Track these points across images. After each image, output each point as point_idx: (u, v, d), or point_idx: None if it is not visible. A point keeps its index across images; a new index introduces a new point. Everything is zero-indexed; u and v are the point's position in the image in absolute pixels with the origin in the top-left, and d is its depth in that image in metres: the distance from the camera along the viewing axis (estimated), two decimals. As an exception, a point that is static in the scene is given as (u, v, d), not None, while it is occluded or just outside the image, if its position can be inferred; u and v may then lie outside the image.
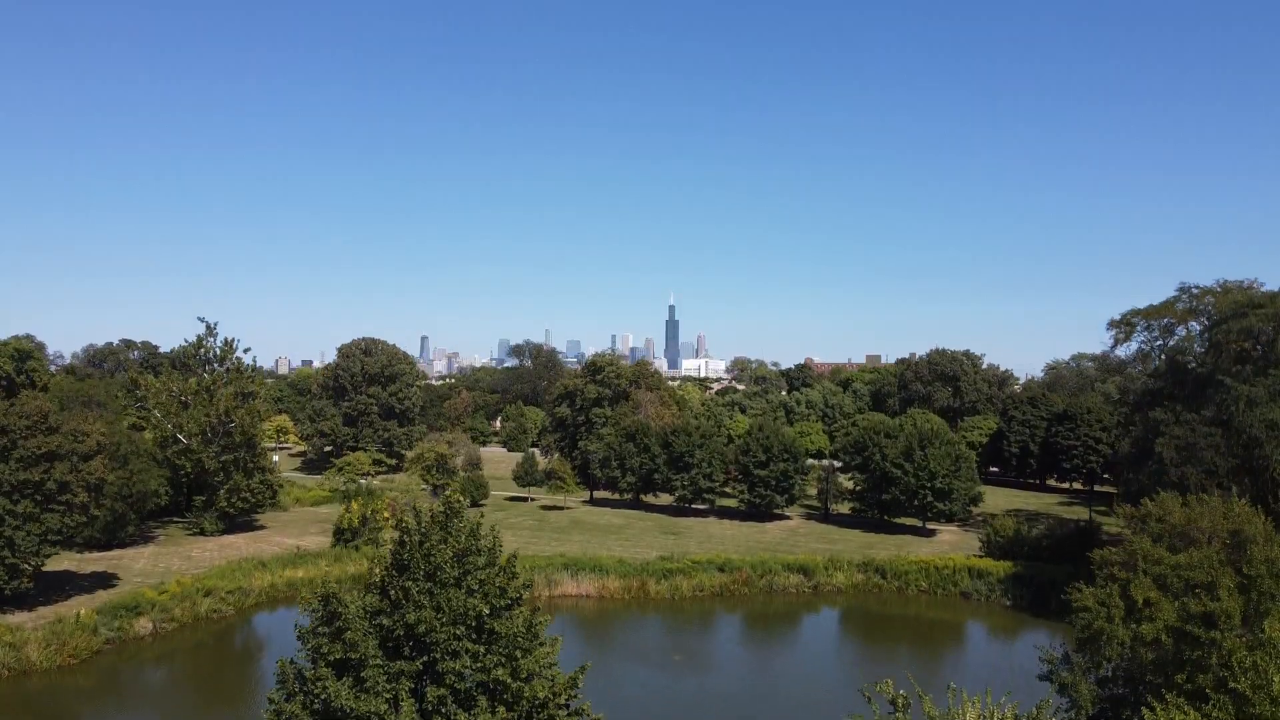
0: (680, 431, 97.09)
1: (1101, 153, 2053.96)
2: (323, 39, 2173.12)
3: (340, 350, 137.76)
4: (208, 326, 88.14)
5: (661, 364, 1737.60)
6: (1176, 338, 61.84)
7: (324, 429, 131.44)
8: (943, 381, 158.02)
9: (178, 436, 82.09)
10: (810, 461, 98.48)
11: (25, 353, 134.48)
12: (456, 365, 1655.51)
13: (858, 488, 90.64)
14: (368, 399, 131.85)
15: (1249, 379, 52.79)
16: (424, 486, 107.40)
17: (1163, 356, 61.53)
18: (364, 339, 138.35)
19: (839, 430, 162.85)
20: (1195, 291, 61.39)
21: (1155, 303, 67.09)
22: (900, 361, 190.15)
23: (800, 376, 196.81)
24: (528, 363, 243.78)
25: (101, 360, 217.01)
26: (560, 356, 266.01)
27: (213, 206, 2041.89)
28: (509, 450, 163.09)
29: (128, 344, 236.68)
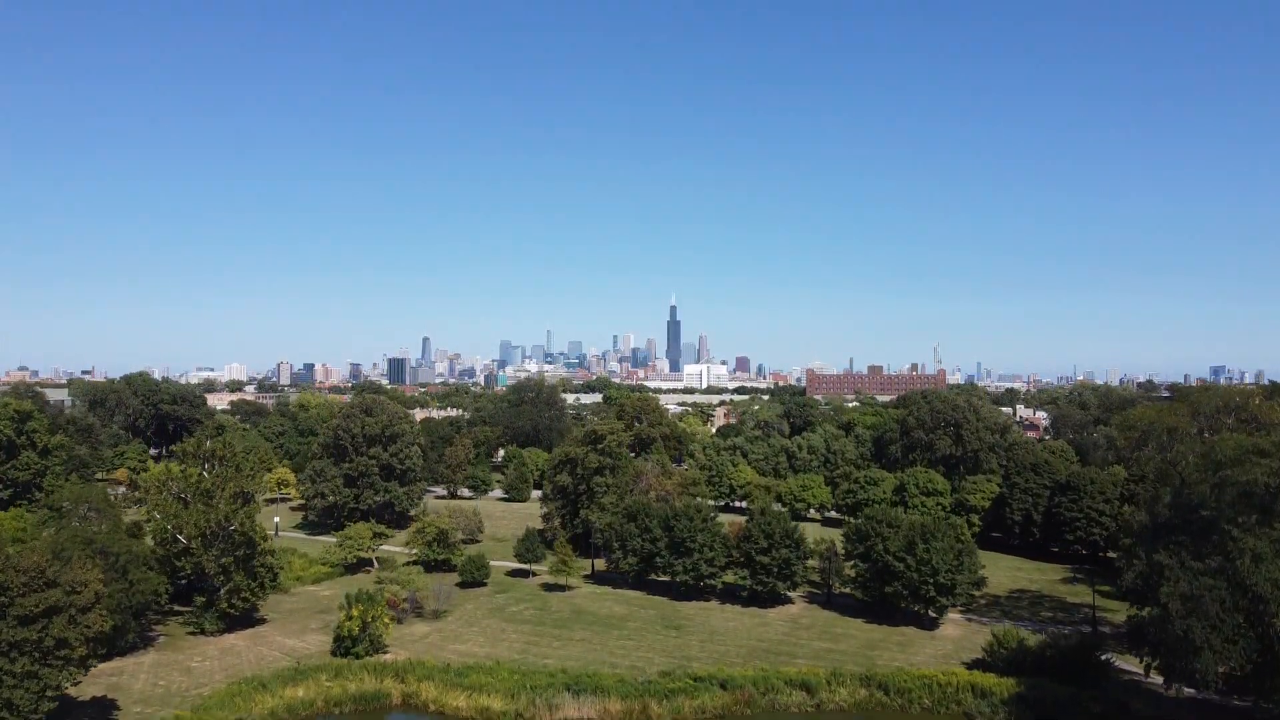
0: (681, 515, 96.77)
1: (1102, 153, 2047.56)
2: (324, 41, 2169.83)
3: (341, 410, 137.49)
4: (210, 432, 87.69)
5: (663, 364, 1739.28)
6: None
7: (325, 490, 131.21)
8: (944, 429, 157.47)
9: (177, 537, 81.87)
10: (810, 541, 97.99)
11: (25, 414, 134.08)
12: (458, 368, 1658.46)
13: (860, 577, 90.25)
14: (368, 460, 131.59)
15: (1253, 528, 52.47)
16: (420, 561, 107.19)
17: (1169, 495, 60.97)
18: (366, 398, 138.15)
19: (840, 476, 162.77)
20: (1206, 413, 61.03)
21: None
22: (900, 402, 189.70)
23: (801, 415, 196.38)
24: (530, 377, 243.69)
25: (102, 399, 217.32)
26: (560, 390, 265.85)
27: (214, 208, 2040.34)
28: (510, 500, 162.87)
29: (128, 381, 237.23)
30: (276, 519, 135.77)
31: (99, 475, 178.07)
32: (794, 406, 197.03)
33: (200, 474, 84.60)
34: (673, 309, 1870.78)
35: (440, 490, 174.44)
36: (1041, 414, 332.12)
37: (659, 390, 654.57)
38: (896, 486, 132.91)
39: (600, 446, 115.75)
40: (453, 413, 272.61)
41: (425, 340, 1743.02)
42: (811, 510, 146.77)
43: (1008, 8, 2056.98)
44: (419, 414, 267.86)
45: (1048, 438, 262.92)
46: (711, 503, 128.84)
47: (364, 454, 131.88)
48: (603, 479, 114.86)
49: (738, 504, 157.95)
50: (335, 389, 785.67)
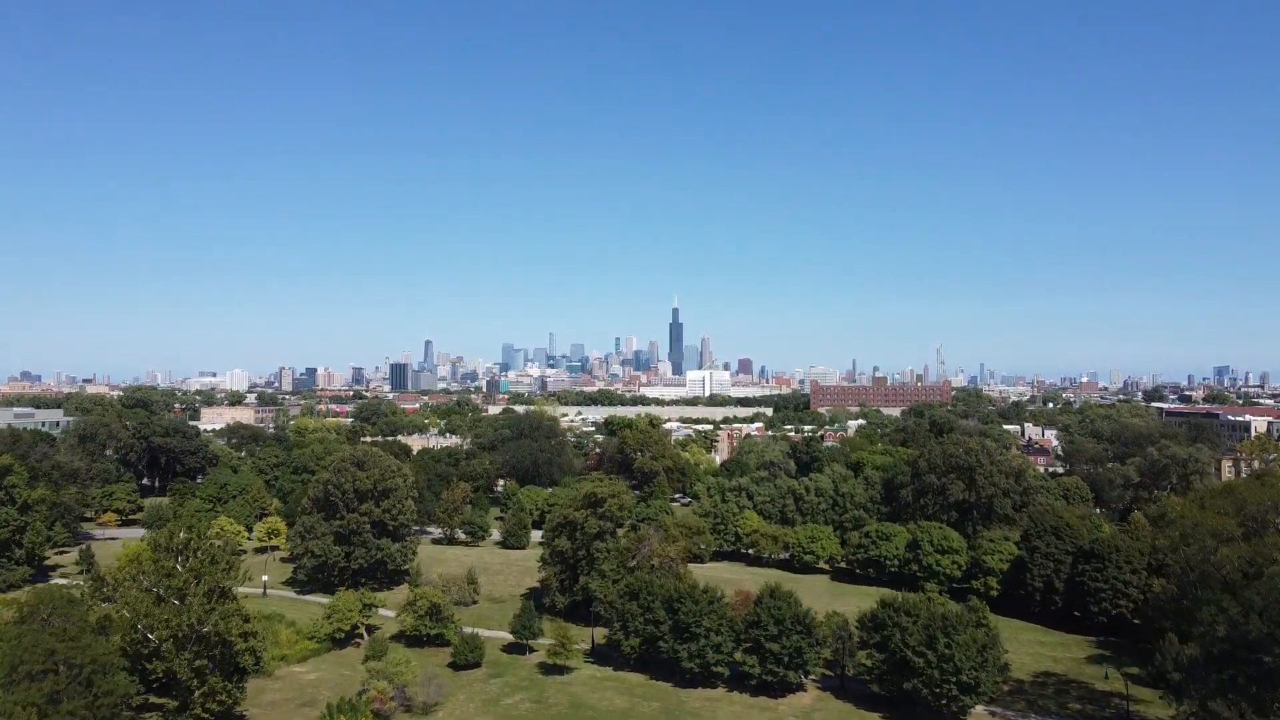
0: (686, 597, 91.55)
1: (1105, 153, 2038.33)
2: (325, 43, 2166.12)
3: (330, 464, 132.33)
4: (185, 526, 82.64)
5: (666, 367, 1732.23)
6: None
7: (314, 549, 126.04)
8: (957, 473, 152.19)
9: (148, 636, 76.65)
10: (821, 616, 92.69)
11: (5, 468, 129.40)
12: (460, 371, 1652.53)
13: (876, 668, 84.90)
14: (359, 518, 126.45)
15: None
16: (411, 634, 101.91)
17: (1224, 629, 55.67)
18: (358, 450, 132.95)
19: (849, 520, 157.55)
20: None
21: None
22: (907, 448, 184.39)
23: (808, 451, 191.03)
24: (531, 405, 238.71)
25: (93, 433, 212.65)
26: (560, 405, 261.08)
27: (217, 212, 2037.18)
28: (508, 547, 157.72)
29: (119, 416, 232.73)
30: (265, 577, 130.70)
31: (87, 515, 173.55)
32: (800, 443, 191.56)
33: (174, 567, 79.37)
34: (675, 311, 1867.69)
35: (436, 531, 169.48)
36: (1050, 434, 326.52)
37: (661, 401, 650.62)
38: (909, 542, 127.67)
39: (601, 510, 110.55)
40: (451, 440, 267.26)
41: (428, 343, 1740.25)
42: (821, 562, 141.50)
43: (1010, 7, 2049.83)
44: (416, 442, 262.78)
45: (1058, 466, 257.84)
46: (715, 565, 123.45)
47: (355, 510, 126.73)
48: (603, 544, 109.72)
49: (745, 551, 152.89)
50: (336, 398, 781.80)
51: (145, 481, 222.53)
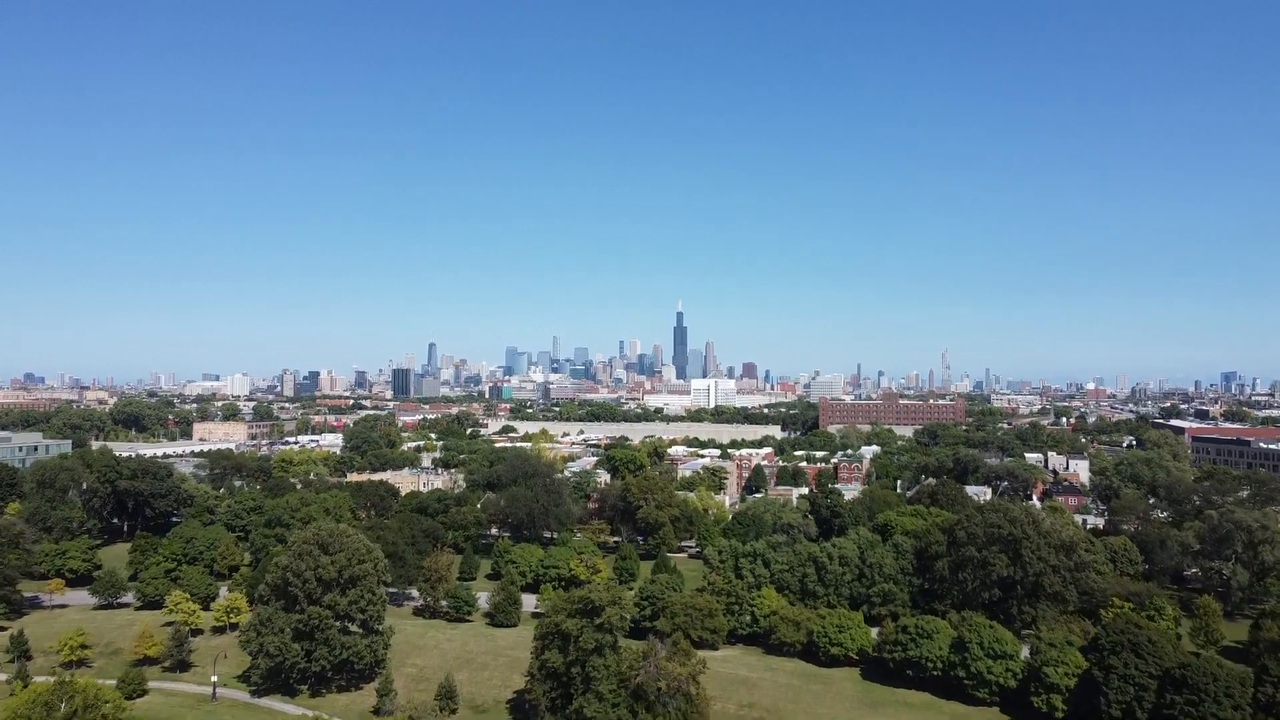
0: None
1: (1111, 157, 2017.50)
2: (328, 46, 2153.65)
3: (290, 545, 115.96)
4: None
5: (670, 372, 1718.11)
6: None
7: (270, 647, 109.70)
8: (1000, 545, 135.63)
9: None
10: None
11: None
12: (464, 374, 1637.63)
13: None
14: (323, 611, 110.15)
15: None
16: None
17: None
18: (322, 529, 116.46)
19: (877, 595, 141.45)
20: None
21: None
22: (939, 507, 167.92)
23: (829, 504, 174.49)
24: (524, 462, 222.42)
25: (52, 478, 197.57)
26: (560, 443, 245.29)
27: (221, 215, 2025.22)
28: (496, 624, 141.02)
29: (83, 458, 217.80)
30: (215, 677, 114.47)
31: (39, 572, 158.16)
32: (820, 496, 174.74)
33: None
34: (679, 315, 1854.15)
35: (417, 597, 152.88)
36: (1077, 466, 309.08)
37: (666, 416, 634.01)
38: (955, 642, 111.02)
39: (599, 621, 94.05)
40: (443, 478, 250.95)
41: (431, 346, 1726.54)
42: (850, 652, 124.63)
43: (1020, 10, 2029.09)
44: (406, 480, 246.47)
45: (1093, 510, 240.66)
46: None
47: (318, 602, 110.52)
48: (601, 660, 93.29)
49: (762, 632, 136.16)
50: (335, 408, 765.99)
51: (116, 520, 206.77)
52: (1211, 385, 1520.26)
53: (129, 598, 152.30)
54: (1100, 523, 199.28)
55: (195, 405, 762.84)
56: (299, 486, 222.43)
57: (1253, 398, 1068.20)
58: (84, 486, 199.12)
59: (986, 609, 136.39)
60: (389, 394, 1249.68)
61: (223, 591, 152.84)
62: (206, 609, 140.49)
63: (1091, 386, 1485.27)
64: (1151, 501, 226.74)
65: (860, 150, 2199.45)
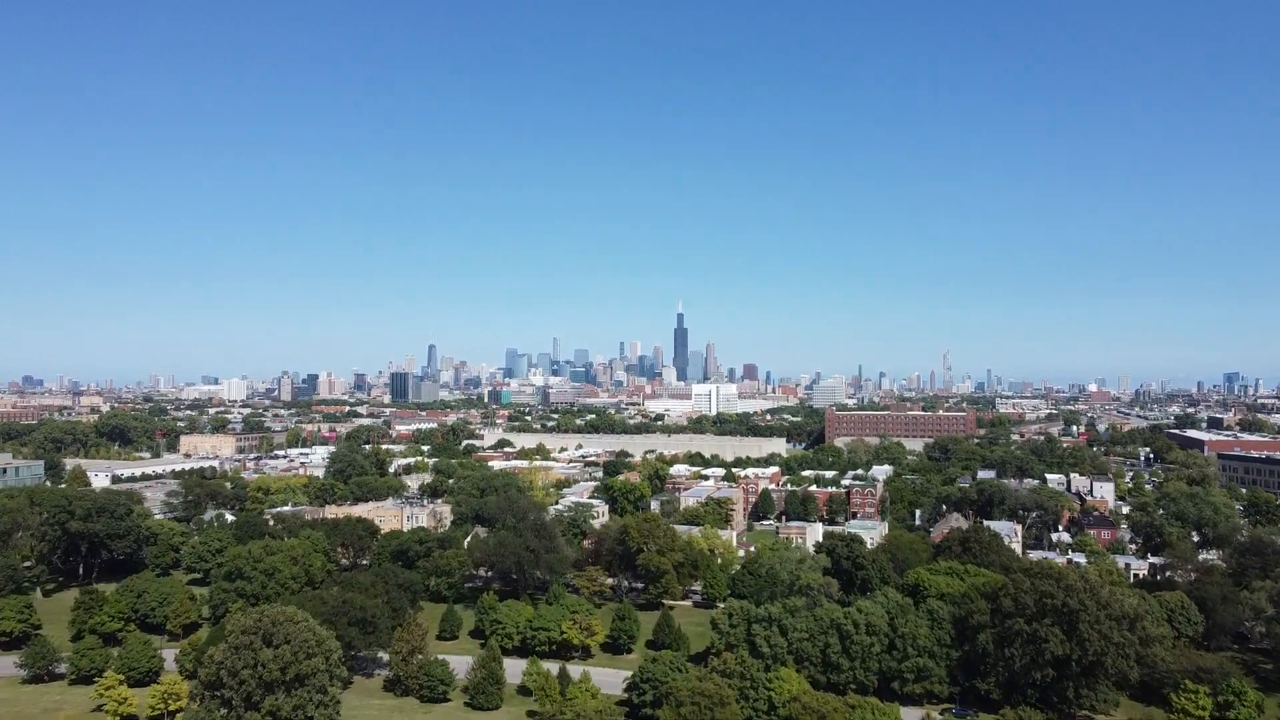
0: None
1: (1113, 157, 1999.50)
2: (328, 47, 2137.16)
3: (228, 634, 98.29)
4: None
5: (670, 373, 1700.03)
6: None
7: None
8: (1054, 618, 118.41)
9: None
10: None
11: None
12: (464, 376, 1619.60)
13: None
14: (263, 718, 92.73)
15: None
16: None
17: None
18: (265, 616, 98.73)
19: (909, 670, 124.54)
20: None
21: None
22: (975, 564, 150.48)
23: (850, 554, 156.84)
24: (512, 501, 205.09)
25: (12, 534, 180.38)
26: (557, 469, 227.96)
27: (220, 216, 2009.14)
28: (475, 707, 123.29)
29: (31, 497, 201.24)
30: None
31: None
32: (839, 545, 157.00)
33: None
34: (680, 316, 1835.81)
35: (386, 666, 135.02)
36: (1103, 489, 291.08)
37: (667, 427, 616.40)
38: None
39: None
40: (427, 511, 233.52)
41: (431, 348, 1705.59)
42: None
43: (1021, 10, 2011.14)
44: (389, 514, 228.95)
45: (1125, 537, 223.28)
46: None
47: (256, 708, 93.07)
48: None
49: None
50: (330, 415, 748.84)
51: (72, 559, 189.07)
52: (1214, 386, 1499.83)
53: (64, 667, 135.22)
54: (1143, 568, 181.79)
55: (187, 414, 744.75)
56: (271, 523, 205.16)
57: (1258, 400, 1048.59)
58: (32, 530, 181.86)
59: (1038, 690, 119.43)
60: (387, 397, 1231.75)
61: (169, 661, 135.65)
62: (146, 686, 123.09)
63: (1094, 388, 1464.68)
64: (1196, 539, 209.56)
65: (860, 150, 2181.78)
